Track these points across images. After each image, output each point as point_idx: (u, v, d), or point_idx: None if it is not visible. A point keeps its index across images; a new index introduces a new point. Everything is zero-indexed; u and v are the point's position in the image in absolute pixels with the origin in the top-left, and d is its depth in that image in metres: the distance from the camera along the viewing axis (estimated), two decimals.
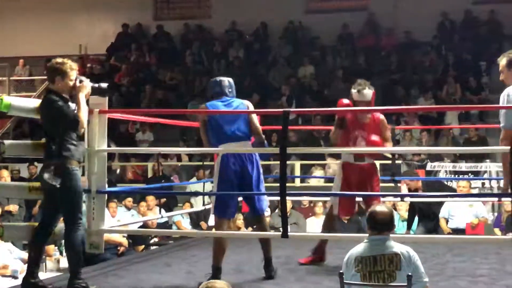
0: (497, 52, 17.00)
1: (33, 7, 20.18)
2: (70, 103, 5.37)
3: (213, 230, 6.25)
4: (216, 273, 5.75)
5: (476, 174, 11.85)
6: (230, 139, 5.87)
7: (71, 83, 5.38)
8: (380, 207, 4.39)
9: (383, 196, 9.83)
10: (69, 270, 5.40)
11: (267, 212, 9.44)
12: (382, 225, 4.28)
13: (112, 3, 19.99)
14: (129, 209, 10.47)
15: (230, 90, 6.07)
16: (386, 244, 4.23)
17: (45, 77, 19.70)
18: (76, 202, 5.32)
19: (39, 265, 5.60)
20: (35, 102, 5.73)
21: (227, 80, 6.12)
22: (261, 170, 6.00)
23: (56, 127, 5.30)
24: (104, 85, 5.83)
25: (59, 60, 5.43)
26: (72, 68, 5.39)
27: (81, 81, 5.44)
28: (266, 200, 6.12)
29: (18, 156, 7.20)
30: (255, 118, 6.06)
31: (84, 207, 6.16)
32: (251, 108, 6.10)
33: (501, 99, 5.33)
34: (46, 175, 5.21)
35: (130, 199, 10.57)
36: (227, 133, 5.87)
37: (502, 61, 5.47)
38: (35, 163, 12.86)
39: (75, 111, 5.34)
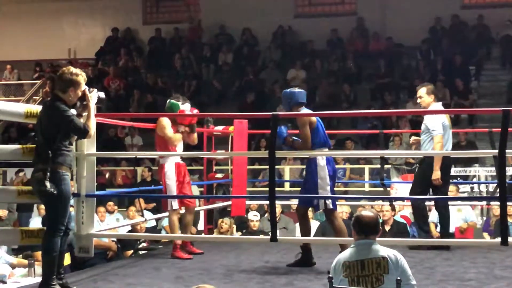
0: (486, 56, 17.21)
1: (21, 11, 20.13)
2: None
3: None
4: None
5: (465, 178, 11.87)
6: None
7: (80, 93, 5.42)
8: (365, 212, 4.38)
9: (374, 200, 9.87)
10: (42, 274, 5.35)
11: (256, 217, 9.41)
12: (368, 229, 4.27)
13: (101, 7, 19.99)
14: (111, 212, 10.36)
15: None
16: (372, 248, 4.22)
17: (34, 81, 19.56)
18: (62, 208, 5.28)
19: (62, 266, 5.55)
20: (23, 107, 5.71)
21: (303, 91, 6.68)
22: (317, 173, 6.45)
23: (58, 134, 5.26)
24: (102, 94, 5.81)
25: (73, 70, 5.43)
26: (85, 79, 5.46)
27: (90, 91, 5.49)
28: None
29: (6, 160, 7.17)
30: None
31: (72, 211, 6.15)
32: None
33: None
34: (47, 183, 5.15)
35: (111, 202, 10.49)
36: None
37: None
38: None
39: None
